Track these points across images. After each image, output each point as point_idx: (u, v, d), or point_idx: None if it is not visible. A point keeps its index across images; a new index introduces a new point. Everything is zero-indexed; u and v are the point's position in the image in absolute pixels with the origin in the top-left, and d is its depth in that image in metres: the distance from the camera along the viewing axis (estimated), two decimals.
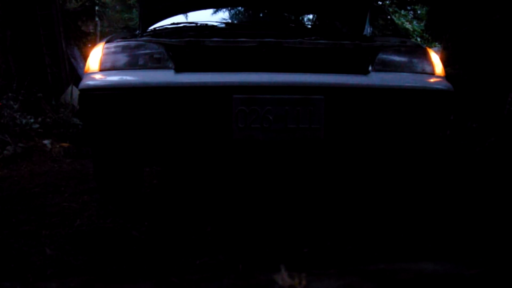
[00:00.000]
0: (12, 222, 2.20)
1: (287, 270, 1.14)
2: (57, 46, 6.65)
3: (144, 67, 2.07)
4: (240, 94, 1.95)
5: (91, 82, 2.06)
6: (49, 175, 3.72)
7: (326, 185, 3.14)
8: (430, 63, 2.22)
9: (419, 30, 11.67)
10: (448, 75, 2.40)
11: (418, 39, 11.10)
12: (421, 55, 2.22)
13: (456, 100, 2.27)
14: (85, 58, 7.08)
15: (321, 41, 2.17)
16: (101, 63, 2.10)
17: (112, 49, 2.12)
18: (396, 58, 2.19)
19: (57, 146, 4.78)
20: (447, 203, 2.61)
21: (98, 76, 2.07)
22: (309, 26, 3.46)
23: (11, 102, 4.78)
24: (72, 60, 7.34)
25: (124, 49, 2.11)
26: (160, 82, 1.98)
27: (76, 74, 7.18)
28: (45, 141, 4.74)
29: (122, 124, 2.04)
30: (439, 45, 6.59)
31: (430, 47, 2.87)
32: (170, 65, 2.05)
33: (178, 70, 2.05)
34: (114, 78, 2.05)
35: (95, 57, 2.14)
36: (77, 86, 2.49)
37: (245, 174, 2.96)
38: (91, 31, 9.58)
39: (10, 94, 4.89)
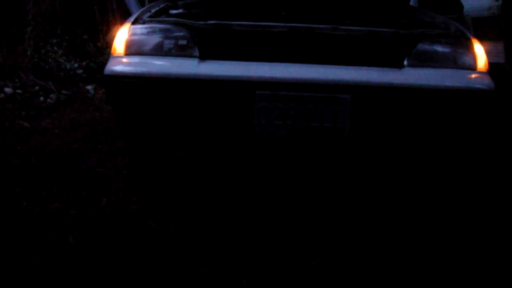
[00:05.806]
0: (43, 196, 2.30)
1: None
2: None
3: (169, 53, 2.02)
4: (263, 90, 1.88)
5: (116, 68, 2.03)
6: (89, 126, 3.82)
7: (346, 187, 2.63)
8: (473, 56, 2.05)
9: None
10: None
11: None
12: (465, 47, 2.05)
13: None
14: None
15: (356, 28, 2.03)
16: (127, 47, 2.06)
17: (138, 31, 2.08)
18: (436, 50, 2.03)
19: (100, 92, 4.86)
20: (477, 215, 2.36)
21: (123, 61, 2.04)
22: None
23: (55, 48, 4.83)
24: None
25: (149, 32, 2.06)
26: (182, 73, 1.94)
27: (124, 7, 7.12)
28: (88, 87, 4.82)
29: (145, 113, 2.04)
30: None
31: None
32: (195, 53, 2.00)
33: (202, 57, 1.99)
34: (138, 65, 2.00)
35: (121, 38, 2.10)
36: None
37: (266, 171, 2.76)
38: None
39: (55, 41, 4.92)
